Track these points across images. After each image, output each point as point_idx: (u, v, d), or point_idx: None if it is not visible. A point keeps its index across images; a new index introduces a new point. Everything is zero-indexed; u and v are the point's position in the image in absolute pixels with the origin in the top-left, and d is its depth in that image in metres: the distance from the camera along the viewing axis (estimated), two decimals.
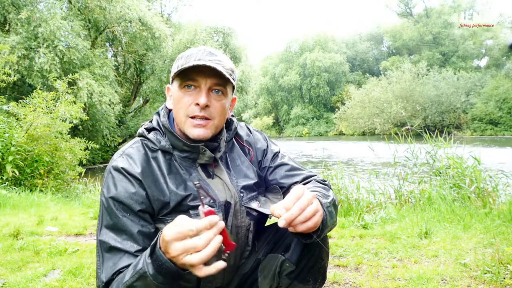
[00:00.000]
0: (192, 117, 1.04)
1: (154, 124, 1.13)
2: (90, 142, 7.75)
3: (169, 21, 22.63)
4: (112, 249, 0.95)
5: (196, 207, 1.05)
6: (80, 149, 7.31)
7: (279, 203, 0.85)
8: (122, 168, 1.02)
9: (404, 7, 48.21)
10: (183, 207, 1.05)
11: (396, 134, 4.71)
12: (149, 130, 1.13)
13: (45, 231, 3.32)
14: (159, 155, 1.08)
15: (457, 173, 3.95)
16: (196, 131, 1.05)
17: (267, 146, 1.30)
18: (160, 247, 0.81)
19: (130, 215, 0.98)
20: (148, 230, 0.99)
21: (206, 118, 1.05)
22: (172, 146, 1.09)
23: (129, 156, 1.06)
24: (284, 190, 1.21)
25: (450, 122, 34.07)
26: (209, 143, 1.10)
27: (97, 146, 8.43)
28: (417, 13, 47.29)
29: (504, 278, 1.87)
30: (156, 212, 1.04)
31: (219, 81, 1.04)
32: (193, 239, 0.76)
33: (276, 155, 1.28)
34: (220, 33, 28.67)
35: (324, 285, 2.04)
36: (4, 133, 5.99)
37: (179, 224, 0.78)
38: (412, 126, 5.36)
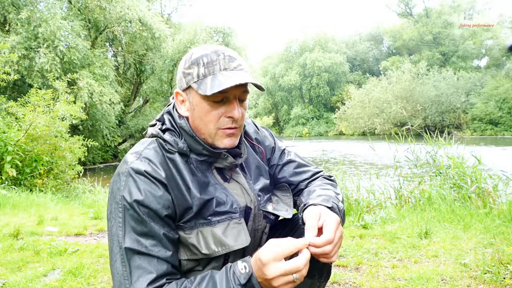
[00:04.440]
0: (223, 128, 1.01)
1: (168, 124, 1.05)
2: (89, 140, 7.74)
3: (169, 21, 22.63)
4: (142, 257, 0.89)
5: (218, 214, 1.01)
6: (79, 148, 7.31)
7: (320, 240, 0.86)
8: (146, 171, 0.94)
9: (404, 7, 48.19)
10: (204, 213, 1.00)
11: (397, 134, 4.70)
12: (163, 131, 1.05)
13: (45, 231, 3.32)
14: (177, 157, 1.01)
15: (458, 173, 3.94)
16: (227, 142, 1.01)
17: (275, 143, 1.28)
18: (255, 276, 0.83)
19: (157, 220, 0.92)
20: (173, 236, 0.95)
21: (236, 128, 1.03)
22: (189, 148, 1.04)
23: (148, 159, 0.97)
24: (293, 187, 1.21)
25: (450, 122, 34.05)
26: (231, 150, 1.06)
27: (97, 145, 8.42)
28: (417, 13, 47.26)
29: (504, 278, 1.87)
30: (178, 218, 0.98)
31: (246, 89, 1.00)
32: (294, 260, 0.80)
33: (283, 152, 1.28)
34: (220, 33, 28.71)
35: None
36: (4, 132, 6.00)
37: (276, 245, 0.82)
38: (412, 126, 5.36)
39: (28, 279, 2.09)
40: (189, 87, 1.00)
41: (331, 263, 1.16)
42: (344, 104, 42.47)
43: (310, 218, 0.93)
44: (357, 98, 39.61)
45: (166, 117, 1.07)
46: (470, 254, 2.28)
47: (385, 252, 2.48)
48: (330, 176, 1.23)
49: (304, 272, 0.80)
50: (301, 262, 0.79)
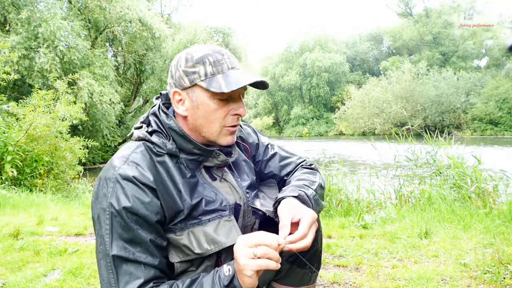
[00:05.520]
0: (227, 126, 1.03)
1: (154, 126, 1.03)
2: (89, 140, 7.75)
3: (169, 21, 22.63)
4: (129, 264, 0.89)
5: (208, 212, 1.01)
6: (80, 148, 7.31)
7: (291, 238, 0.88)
8: (134, 177, 0.92)
9: (404, 7, 48.16)
10: (194, 213, 1.00)
11: (397, 134, 4.71)
12: (149, 133, 1.03)
13: (45, 231, 3.32)
14: (166, 159, 1.00)
15: (458, 173, 3.94)
16: (230, 139, 1.05)
17: (258, 139, 1.30)
18: (237, 277, 0.85)
19: (145, 226, 0.92)
20: (160, 243, 0.95)
21: (237, 125, 1.06)
22: (178, 148, 1.03)
23: (135, 163, 0.95)
24: (280, 180, 1.25)
25: (450, 122, 34.05)
26: (223, 148, 1.07)
27: (97, 144, 8.43)
28: (417, 13, 47.23)
29: (504, 278, 1.87)
30: (168, 221, 0.98)
31: (246, 87, 1.02)
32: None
33: (267, 147, 1.30)
34: (220, 33, 28.73)
35: (324, 285, 2.04)
36: (4, 133, 6.00)
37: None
38: (412, 126, 5.36)
39: (28, 279, 2.09)
40: (193, 86, 0.99)
41: (321, 254, 1.20)
42: (344, 104, 42.46)
43: (283, 215, 0.94)
44: (357, 98, 39.61)
45: (151, 119, 1.06)
46: (470, 254, 2.28)
47: (385, 252, 2.48)
48: (311, 165, 1.27)
49: (267, 252, 0.80)
50: (260, 238, 0.81)
